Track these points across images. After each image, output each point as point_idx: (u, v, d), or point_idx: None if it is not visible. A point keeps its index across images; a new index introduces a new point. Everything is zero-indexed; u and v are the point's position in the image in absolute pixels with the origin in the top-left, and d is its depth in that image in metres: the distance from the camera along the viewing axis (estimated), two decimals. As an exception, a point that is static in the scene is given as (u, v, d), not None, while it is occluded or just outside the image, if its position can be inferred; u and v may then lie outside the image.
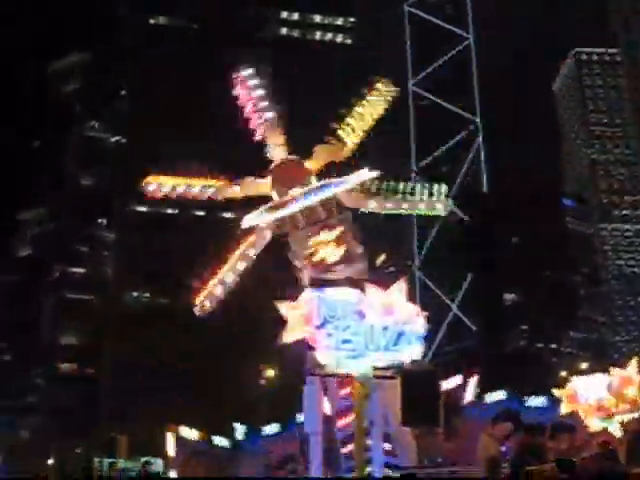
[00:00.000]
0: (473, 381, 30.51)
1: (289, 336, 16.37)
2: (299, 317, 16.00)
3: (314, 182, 25.87)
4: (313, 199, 24.98)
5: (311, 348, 16.46)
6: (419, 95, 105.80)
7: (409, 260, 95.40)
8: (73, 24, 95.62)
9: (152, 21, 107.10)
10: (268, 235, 25.01)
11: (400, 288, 16.69)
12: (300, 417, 27.00)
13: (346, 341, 15.82)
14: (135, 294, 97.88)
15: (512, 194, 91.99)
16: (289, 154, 27.15)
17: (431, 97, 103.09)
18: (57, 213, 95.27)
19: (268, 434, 31.81)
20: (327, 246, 23.15)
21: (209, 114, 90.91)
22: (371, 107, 28.47)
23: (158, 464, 42.11)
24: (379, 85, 28.52)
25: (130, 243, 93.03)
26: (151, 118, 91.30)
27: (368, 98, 28.26)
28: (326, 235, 23.62)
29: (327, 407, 24.67)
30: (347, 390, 22.86)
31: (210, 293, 23.42)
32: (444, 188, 25.90)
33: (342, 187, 25.05)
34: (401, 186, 25.06)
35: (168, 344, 73.17)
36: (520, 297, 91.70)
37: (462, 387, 30.11)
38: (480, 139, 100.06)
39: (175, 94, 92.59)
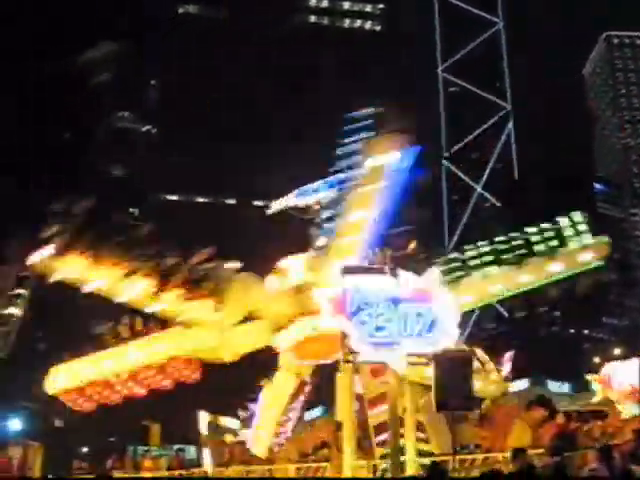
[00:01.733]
0: (507, 366, 30.42)
1: (323, 324, 16.39)
2: (332, 305, 15.97)
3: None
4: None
5: (344, 336, 16.45)
6: (449, 81, 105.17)
7: (441, 246, 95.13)
8: (103, 15, 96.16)
9: (181, 10, 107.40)
10: None
11: (434, 274, 16.63)
12: (333, 405, 27.08)
13: (380, 328, 15.77)
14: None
15: (543, 179, 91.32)
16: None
17: (461, 83, 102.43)
18: (88, 204, 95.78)
19: (300, 421, 31.92)
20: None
21: (238, 102, 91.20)
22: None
23: (191, 451, 42.41)
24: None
25: (162, 232, 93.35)
26: (181, 107, 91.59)
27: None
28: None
29: (360, 395, 24.71)
30: (380, 378, 22.86)
31: None
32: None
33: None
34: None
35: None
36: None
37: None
38: (511, 125, 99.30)
39: (205, 82, 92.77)
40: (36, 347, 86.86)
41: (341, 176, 25.72)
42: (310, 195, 25.46)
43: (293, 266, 22.91)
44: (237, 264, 24.15)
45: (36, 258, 23.22)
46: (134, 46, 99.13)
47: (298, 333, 22.98)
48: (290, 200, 25.78)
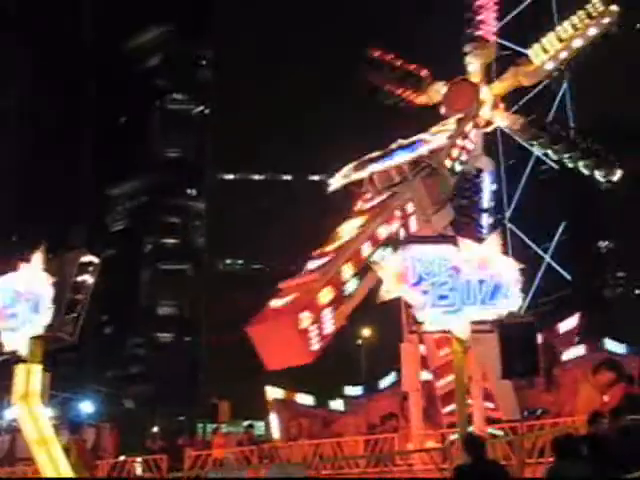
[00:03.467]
0: (572, 331, 30.17)
1: (386, 295, 16.38)
2: (394, 276, 15.97)
3: (483, 111, 25.35)
4: (397, 159, 24.88)
5: (408, 306, 16.45)
6: (500, 45, 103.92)
7: (499, 213, 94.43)
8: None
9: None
10: None
11: (494, 241, 16.52)
12: (398, 375, 27.17)
13: (442, 297, 15.74)
14: (228, 261, 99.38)
15: (602, 137, 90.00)
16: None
17: (513, 47, 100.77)
18: (147, 187, 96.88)
19: (368, 393, 32.10)
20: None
21: (293, 79, 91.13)
22: (578, 29, 26.57)
23: (260, 427, 42.86)
24: (594, 3, 26.14)
25: (220, 211, 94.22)
26: (234, 85, 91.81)
27: (576, 18, 26.19)
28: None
29: (425, 364, 24.77)
30: (445, 350, 22.82)
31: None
32: None
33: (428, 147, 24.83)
34: None
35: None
36: (615, 244, 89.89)
37: (561, 337, 29.82)
38: (565, 86, 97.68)
39: (257, 60, 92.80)
40: (102, 331, 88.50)
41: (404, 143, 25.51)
42: (370, 167, 25.29)
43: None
44: None
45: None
46: (184, 27, 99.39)
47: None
48: (350, 174, 25.67)
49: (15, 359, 18.87)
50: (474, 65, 31.81)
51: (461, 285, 15.79)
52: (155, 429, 57.99)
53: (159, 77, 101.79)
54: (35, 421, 18.45)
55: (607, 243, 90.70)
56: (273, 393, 30.65)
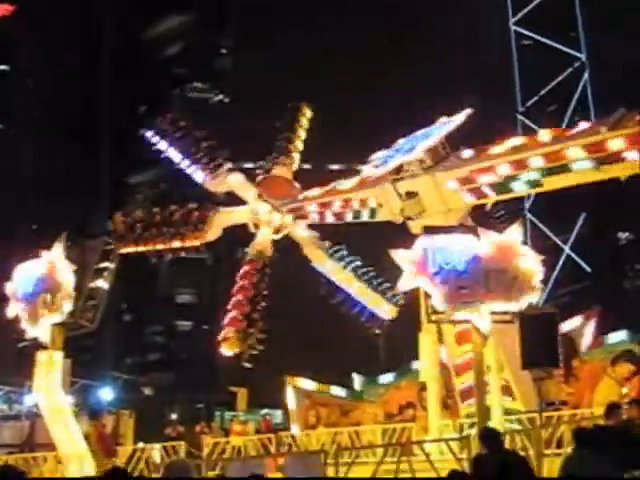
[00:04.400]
0: (592, 322, 30.07)
1: (405, 285, 16.40)
2: (414, 265, 15.99)
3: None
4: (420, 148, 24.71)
5: (427, 296, 16.48)
6: (521, 34, 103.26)
7: (519, 204, 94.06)
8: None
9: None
10: None
11: (515, 231, 16.50)
12: (417, 365, 27.17)
13: (462, 287, 15.76)
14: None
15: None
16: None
17: (534, 36, 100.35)
18: (166, 175, 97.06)
19: (385, 382, 32.14)
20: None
21: (312, 68, 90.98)
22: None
23: (277, 416, 42.99)
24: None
25: (239, 200, 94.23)
26: (254, 74, 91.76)
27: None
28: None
29: (444, 355, 24.74)
30: (465, 347, 22.71)
31: None
32: None
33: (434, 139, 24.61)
34: None
35: (282, 296, 74.03)
36: (635, 235, 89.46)
37: (581, 329, 29.74)
38: (586, 75, 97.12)
39: (277, 48, 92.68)
40: (122, 319, 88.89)
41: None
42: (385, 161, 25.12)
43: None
44: None
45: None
46: (204, 16, 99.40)
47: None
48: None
49: (36, 345, 19.05)
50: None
51: (481, 275, 15.79)
52: (173, 416, 58.30)
53: (179, 66, 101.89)
54: (56, 407, 18.62)
55: (627, 235, 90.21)
56: (306, 385, 30.79)
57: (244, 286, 26.67)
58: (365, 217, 23.29)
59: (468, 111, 23.48)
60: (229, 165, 30.09)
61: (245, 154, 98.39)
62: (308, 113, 32.05)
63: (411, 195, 22.71)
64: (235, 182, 29.65)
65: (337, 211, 23.70)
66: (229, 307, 26.42)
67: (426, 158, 22.83)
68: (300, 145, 31.09)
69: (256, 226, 29.55)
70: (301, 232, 28.76)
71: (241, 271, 27.59)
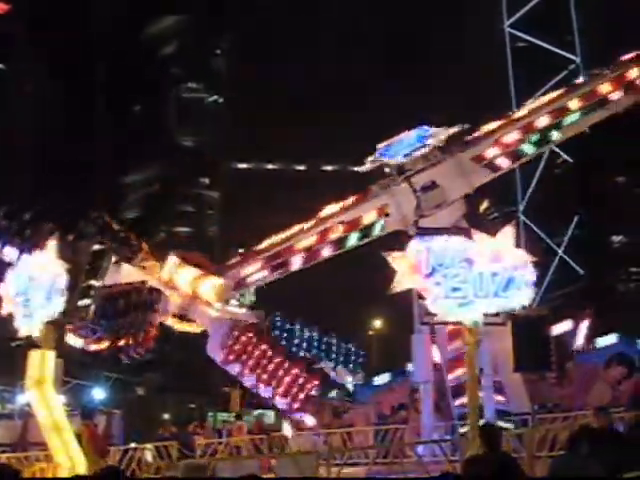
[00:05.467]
0: (584, 325, 30.11)
1: (398, 286, 16.39)
2: (407, 267, 15.99)
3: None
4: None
5: (420, 297, 16.48)
6: (515, 36, 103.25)
7: (512, 206, 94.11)
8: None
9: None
10: None
11: (508, 234, 16.50)
12: (410, 366, 27.19)
13: (455, 289, 15.74)
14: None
15: (617, 132, 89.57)
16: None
17: (529, 38, 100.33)
18: (160, 175, 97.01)
19: (379, 384, 32.15)
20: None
21: (309, 70, 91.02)
22: None
23: (270, 417, 42.91)
24: None
25: (234, 201, 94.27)
26: (248, 75, 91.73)
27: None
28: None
29: (436, 356, 24.76)
30: (457, 343, 22.78)
31: None
32: None
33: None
34: None
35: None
36: (628, 238, 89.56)
37: (573, 331, 29.78)
38: (581, 78, 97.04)
39: (272, 50, 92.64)
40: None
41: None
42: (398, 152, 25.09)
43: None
44: None
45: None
46: (199, 16, 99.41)
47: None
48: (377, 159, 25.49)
49: (29, 344, 19.00)
50: None
51: (474, 277, 15.79)
52: (166, 416, 58.24)
53: (174, 66, 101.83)
54: (48, 406, 18.58)
55: (620, 238, 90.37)
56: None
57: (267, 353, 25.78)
58: (377, 231, 23.36)
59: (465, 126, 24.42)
60: None
61: (239, 154, 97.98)
62: None
63: (428, 188, 23.36)
64: None
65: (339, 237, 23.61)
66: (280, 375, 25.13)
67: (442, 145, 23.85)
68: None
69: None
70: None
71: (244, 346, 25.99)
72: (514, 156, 24.39)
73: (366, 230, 23.76)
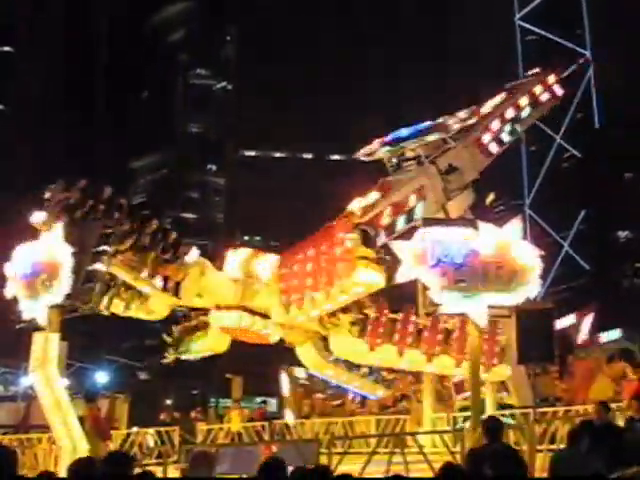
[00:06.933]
0: (588, 320, 30.10)
1: (403, 276, 16.34)
2: (413, 257, 15.92)
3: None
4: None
5: (424, 288, 16.44)
6: (526, 30, 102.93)
7: (519, 199, 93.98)
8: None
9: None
10: None
11: (514, 226, 16.46)
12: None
13: (460, 280, 15.68)
14: (246, 238, 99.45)
15: (625, 128, 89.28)
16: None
17: (540, 31, 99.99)
18: (168, 161, 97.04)
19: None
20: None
21: (318, 58, 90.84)
22: None
23: (272, 404, 42.98)
24: None
25: (240, 188, 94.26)
26: (257, 63, 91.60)
27: None
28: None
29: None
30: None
31: None
32: None
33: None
34: None
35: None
36: (634, 234, 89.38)
37: (577, 326, 29.77)
38: (591, 72, 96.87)
39: (281, 38, 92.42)
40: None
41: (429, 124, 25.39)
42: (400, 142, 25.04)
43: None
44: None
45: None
46: (209, 3, 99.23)
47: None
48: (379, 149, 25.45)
49: (33, 327, 19.00)
50: None
51: (479, 269, 15.73)
52: (169, 402, 58.26)
53: (182, 52, 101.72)
54: (51, 388, 18.61)
55: (626, 233, 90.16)
56: (300, 374, 30.75)
57: None
58: (417, 215, 22.70)
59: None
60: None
61: (247, 143, 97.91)
62: None
63: (450, 171, 23.46)
64: None
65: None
66: None
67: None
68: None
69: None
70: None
71: None
72: (499, 142, 25.49)
73: (410, 214, 22.88)
